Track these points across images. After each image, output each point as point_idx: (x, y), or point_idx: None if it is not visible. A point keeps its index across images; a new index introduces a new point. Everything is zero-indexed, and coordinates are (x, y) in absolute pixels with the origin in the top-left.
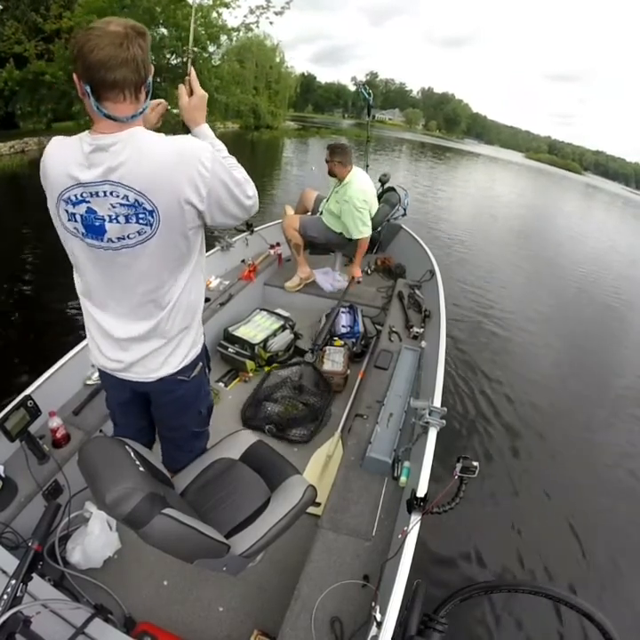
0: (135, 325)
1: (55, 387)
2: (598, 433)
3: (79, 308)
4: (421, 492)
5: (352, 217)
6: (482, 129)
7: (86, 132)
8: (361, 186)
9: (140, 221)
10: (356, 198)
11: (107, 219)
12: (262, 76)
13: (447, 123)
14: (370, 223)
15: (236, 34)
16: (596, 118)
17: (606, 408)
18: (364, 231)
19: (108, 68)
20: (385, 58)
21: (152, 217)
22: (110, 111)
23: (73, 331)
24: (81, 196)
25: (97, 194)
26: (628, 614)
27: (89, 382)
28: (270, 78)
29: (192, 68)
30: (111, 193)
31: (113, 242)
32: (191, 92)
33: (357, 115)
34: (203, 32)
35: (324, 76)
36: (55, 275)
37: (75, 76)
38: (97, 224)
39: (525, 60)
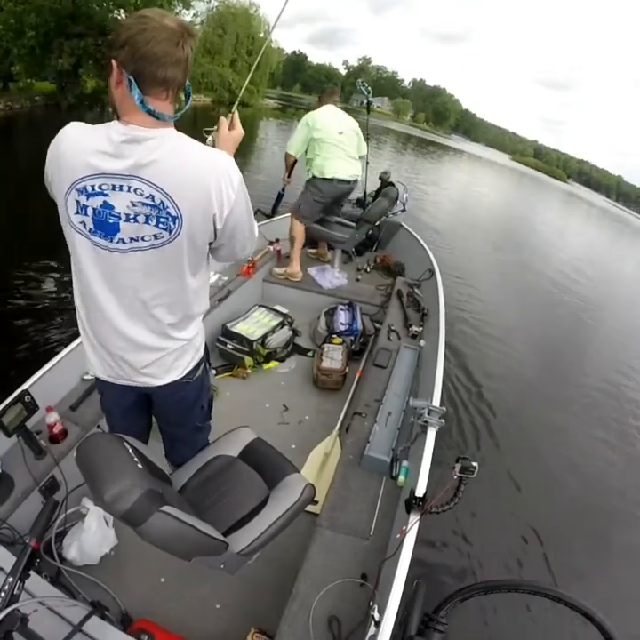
0: (140, 334)
1: (52, 382)
2: (599, 431)
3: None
4: (420, 491)
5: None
6: (470, 126)
7: (115, 121)
8: (311, 115)
9: (160, 225)
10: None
11: (123, 217)
12: (243, 49)
13: (436, 116)
14: (296, 142)
15: None
16: (582, 128)
17: (605, 405)
18: (289, 146)
19: (161, 64)
20: (381, 46)
21: (174, 223)
22: (154, 107)
23: (69, 326)
24: (99, 187)
25: (120, 188)
26: (628, 613)
27: (86, 377)
28: (244, 49)
29: (236, 110)
30: (135, 190)
31: (124, 242)
32: (232, 127)
33: (345, 100)
34: None
35: (320, 57)
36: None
37: (114, 62)
38: (111, 221)
39: (518, 63)
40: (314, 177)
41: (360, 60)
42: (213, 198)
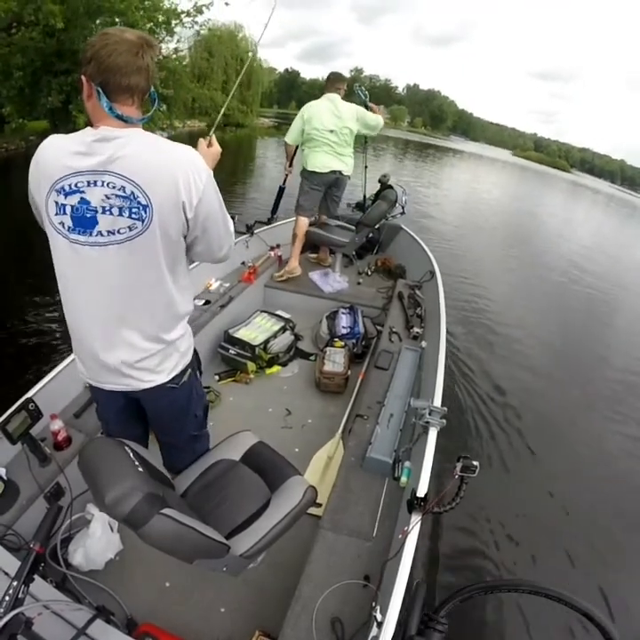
0: (121, 334)
1: (56, 389)
2: (599, 429)
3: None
4: (422, 491)
5: None
6: (468, 126)
7: (88, 127)
8: (308, 106)
9: (133, 216)
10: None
11: (99, 210)
12: (231, 71)
13: (433, 119)
14: (292, 131)
15: (189, 19)
16: (579, 116)
17: (603, 401)
18: (286, 135)
19: (123, 74)
20: (373, 56)
21: (145, 212)
22: (122, 112)
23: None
24: (76, 185)
25: (95, 183)
26: (629, 612)
27: None
28: (233, 70)
29: (213, 133)
30: (108, 184)
31: (102, 235)
32: (210, 145)
33: None
34: (141, 13)
35: (313, 72)
36: None
37: (83, 77)
38: (88, 216)
39: (509, 58)
40: (303, 168)
41: (351, 71)
42: (181, 186)
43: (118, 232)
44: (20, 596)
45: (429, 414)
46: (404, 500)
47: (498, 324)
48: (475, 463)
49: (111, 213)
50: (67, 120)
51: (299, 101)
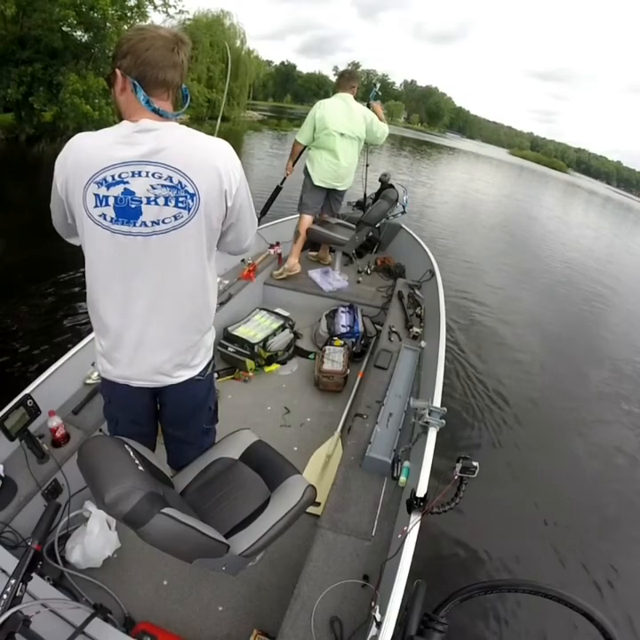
0: (164, 329)
1: (55, 386)
2: (599, 430)
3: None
4: (421, 491)
5: None
6: (465, 123)
7: (124, 121)
8: (321, 104)
9: (179, 205)
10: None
11: (144, 200)
12: (219, 61)
13: (430, 116)
14: (304, 132)
15: (160, 1)
16: (577, 117)
17: (603, 401)
18: (298, 134)
19: (160, 68)
20: (372, 52)
21: (192, 201)
22: (158, 106)
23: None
24: (119, 176)
25: (139, 173)
26: (628, 612)
27: (89, 382)
28: (209, 58)
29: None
30: (154, 174)
31: (146, 225)
32: None
33: None
34: None
35: (311, 66)
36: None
37: (118, 71)
38: (133, 206)
39: (508, 58)
40: (306, 167)
41: (349, 65)
42: (223, 176)
43: (163, 222)
44: (17, 594)
45: (429, 414)
46: (404, 500)
47: (497, 324)
48: (474, 464)
49: (157, 203)
50: (32, 113)
51: (294, 95)
